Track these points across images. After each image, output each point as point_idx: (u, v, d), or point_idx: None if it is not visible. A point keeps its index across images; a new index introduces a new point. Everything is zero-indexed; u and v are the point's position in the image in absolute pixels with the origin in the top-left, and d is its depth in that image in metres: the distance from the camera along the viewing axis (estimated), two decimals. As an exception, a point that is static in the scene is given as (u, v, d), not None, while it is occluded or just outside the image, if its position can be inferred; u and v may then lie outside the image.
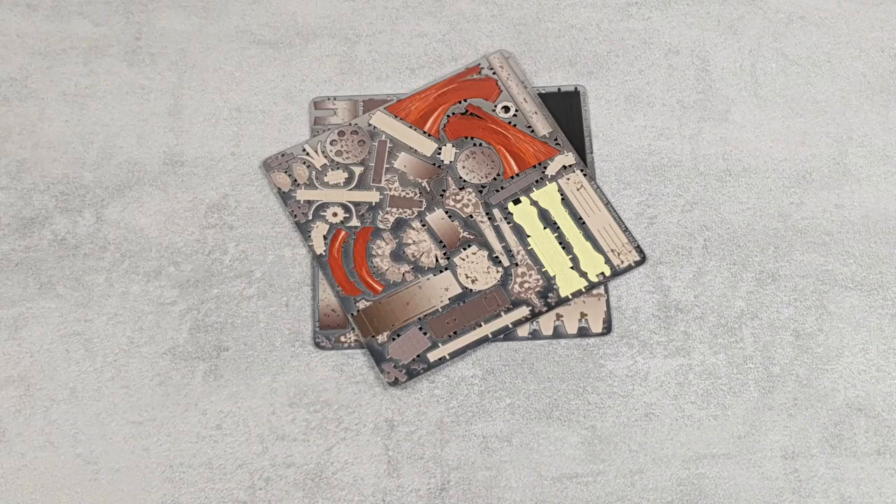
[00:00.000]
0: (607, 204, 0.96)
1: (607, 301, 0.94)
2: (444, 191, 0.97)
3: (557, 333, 0.93)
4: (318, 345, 0.92)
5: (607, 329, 0.93)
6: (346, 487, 0.89)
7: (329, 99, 1.01)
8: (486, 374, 0.92)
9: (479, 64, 1.02)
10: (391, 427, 0.91)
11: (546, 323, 0.93)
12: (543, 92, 1.02)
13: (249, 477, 0.89)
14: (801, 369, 0.92)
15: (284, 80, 1.04)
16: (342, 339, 0.93)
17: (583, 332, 0.93)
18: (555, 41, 1.06)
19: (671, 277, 0.96)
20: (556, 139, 0.99)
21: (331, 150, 0.99)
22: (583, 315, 0.93)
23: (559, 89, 1.02)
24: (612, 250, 0.95)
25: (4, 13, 1.07)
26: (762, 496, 0.88)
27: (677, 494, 0.88)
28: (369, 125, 1.00)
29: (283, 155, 1.00)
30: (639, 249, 0.95)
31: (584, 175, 0.97)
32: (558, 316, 0.93)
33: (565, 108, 1.02)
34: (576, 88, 1.03)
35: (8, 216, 0.98)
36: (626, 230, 0.95)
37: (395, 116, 1.00)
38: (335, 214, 0.97)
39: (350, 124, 1.00)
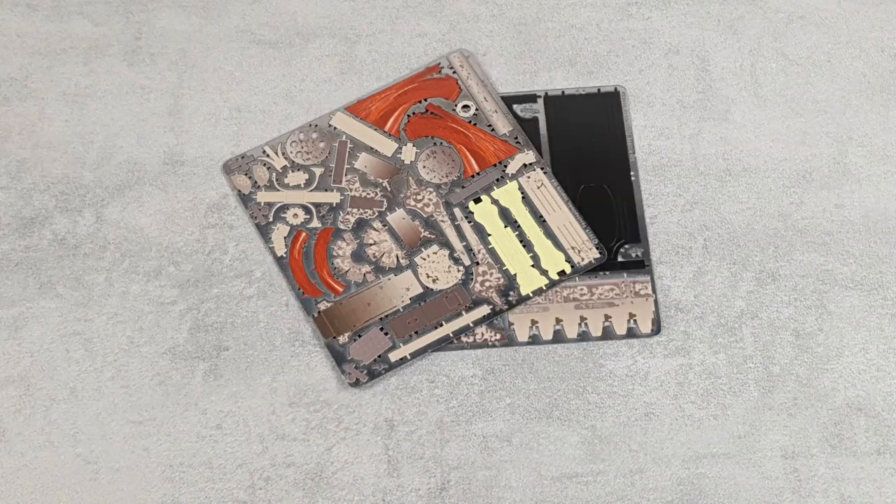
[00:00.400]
0: (567, 202, 0.96)
1: (655, 301, 0.93)
2: (405, 190, 0.97)
3: (607, 334, 0.92)
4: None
5: (656, 329, 0.93)
6: (346, 487, 0.89)
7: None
8: (486, 373, 0.92)
9: (439, 63, 1.02)
10: (391, 427, 0.91)
11: (595, 324, 0.93)
12: (583, 93, 1.02)
13: (249, 477, 0.89)
14: (801, 369, 0.92)
15: (284, 80, 1.04)
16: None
17: (632, 333, 0.93)
18: (555, 41, 1.06)
19: (671, 277, 0.96)
20: (516, 137, 0.99)
21: (291, 152, 0.99)
22: (631, 315, 0.93)
23: (599, 90, 1.02)
24: (573, 248, 0.95)
25: (4, 13, 1.07)
26: (762, 496, 0.88)
27: (677, 494, 0.88)
28: (329, 126, 1.00)
29: (242, 157, 1.00)
30: (599, 247, 0.94)
31: (545, 173, 0.97)
32: (607, 317, 0.93)
33: (605, 109, 1.01)
34: (615, 89, 1.02)
35: (8, 216, 0.98)
36: (586, 227, 0.95)
37: (356, 117, 1.01)
38: (296, 216, 0.97)
39: (310, 125, 1.01)
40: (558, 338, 0.93)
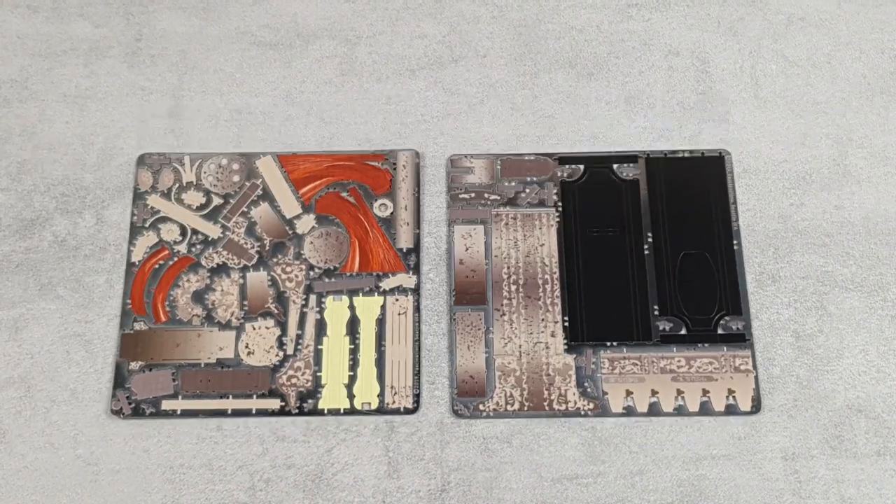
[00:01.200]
0: (416, 341, 0.92)
1: (756, 378, 0.90)
2: (280, 256, 0.94)
3: (704, 410, 0.89)
4: (455, 412, 0.90)
5: (756, 408, 0.89)
6: (347, 489, 0.89)
7: (466, 157, 0.98)
8: (487, 375, 0.92)
9: (387, 155, 0.99)
10: (391, 428, 0.91)
11: (692, 398, 0.89)
12: (686, 156, 0.98)
13: (250, 478, 0.89)
14: (802, 370, 0.92)
15: (285, 82, 1.04)
16: (481, 406, 0.90)
17: (730, 410, 0.89)
18: (555, 42, 1.06)
19: (671, 279, 0.96)
20: (410, 257, 0.94)
21: (205, 172, 0.98)
22: (730, 392, 0.89)
23: (703, 153, 0.98)
24: (392, 387, 0.90)
25: (5, 15, 1.08)
26: (762, 497, 0.88)
27: (677, 496, 0.88)
28: (254, 164, 0.98)
29: (161, 155, 0.99)
30: (416, 398, 0.90)
31: (415, 304, 0.92)
32: (705, 392, 0.89)
33: (709, 173, 0.97)
34: (720, 153, 0.98)
35: (8, 217, 0.98)
36: (417, 373, 0.91)
37: (281, 167, 0.98)
38: (170, 231, 0.95)
39: (239, 155, 0.99)
40: (654, 410, 0.89)
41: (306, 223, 0.96)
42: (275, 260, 0.94)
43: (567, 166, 0.98)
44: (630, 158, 0.98)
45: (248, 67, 1.05)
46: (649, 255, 0.94)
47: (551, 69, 1.05)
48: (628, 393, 0.90)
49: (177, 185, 0.97)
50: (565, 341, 0.91)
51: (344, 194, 0.96)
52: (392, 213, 0.96)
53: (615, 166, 0.98)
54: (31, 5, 1.08)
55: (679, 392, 0.90)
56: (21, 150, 1.01)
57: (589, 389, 0.90)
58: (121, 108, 1.03)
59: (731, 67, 1.05)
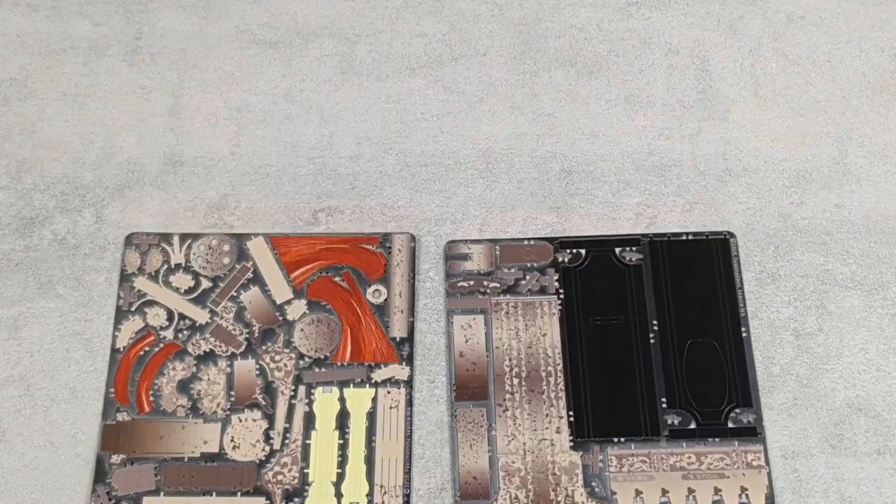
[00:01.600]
0: (408, 437, 0.88)
1: (769, 475, 0.86)
2: (269, 344, 0.91)
3: None
4: None
5: None
6: None
7: (464, 242, 0.95)
8: (486, 373, 0.92)
9: (382, 238, 0.95)
10: None
11: (704, 498, 0.85)
12: (690, 239, 0.94)
13: None
14: (801, 369, 0.92)
15: (284, 80, 1.04)
16: None
17: None
18: (555, 41, 1.06)
19: (671, 277, 0.96)
20: (403, 347, 0.91)
21: (195, 253, 0.95)
22: (743, 490, 0.86)
23: (707, 236, 0.95)
24: (381, 486, 0.86)
25: (5, 13, 1.07)
26: (762, 496, 0.88)
27: (677, 494, 0.88)
28: (245, 246, 0.95)
29: (149, 235, 0.95)
30: (407, 498, 0.86)
31: (408, 397, 0.89)
32: (717, 490, 0.85)
33: (714, 256, 0.94)
34: (725, 235, 0.95)
35: (8, 216, 0.98)
36: (408, 472, 0.87)
37: (273, 250, 0.94)
38: (157, 316, 0.92)
39: (230, 236, 0.96)
40: None
41: (297, 309, 0.92)
42: (264, 348, 0.91)
43: (567, 251, 0.95)
44: (632, 241, 0.95)
45: (247, 66, 1.05)
46: (655, 343, 0.90)
47: (551, 67, 1.05)
48: (638, 493, 0.86)
49: (165, 266, 0.94)
50: (571, 438, 0.87)
51: (337, 279, 0.93)
52: (386, 300, 0.92)
53: (617, 250, 0.95)
54: (30, 4, 1.08)
55: (690, 491, 0.86)
56: (20, 148, 1.01)
57: (597, 489, 0.86)
58: (120, 107, 1.03)
59: (731, 66, 1.05)
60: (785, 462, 0.89)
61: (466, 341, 0.91)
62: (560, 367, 0.90)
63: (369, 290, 0.92)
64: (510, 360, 0.90)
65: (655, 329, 0.91)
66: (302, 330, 0.91)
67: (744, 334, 0.91)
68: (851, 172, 1.00)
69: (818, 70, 1.05)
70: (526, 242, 0.95)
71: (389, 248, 0.95)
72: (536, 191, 0.99)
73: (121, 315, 0.92)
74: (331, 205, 0.99)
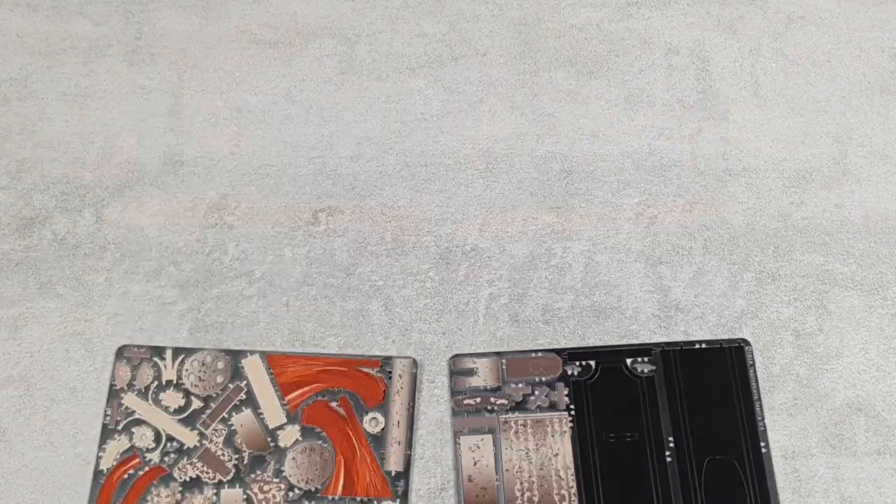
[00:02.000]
0: None
1: None
2: (258, 472, 0.86)
3: None
4: None
5: None
6: None
7: (468, 356, 0.91)
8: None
9: (382, 362, 0.91)
10: (391, 427, 0.90)
11: None
12: (704, 348, 0.90)
13: (249, 477, 0.89)
14: (801, 369, 0.92)
15: (284, 80, 1.05)
16: None
17: None
18: (555, 41, 1.06)
19: (671, 277, 0.96)
20: (398, 482, 0.86)
21: (187, 369, 0.90)
22: None
23: (721, 344, 0.91)
24: None
25: (4, 13, 1.08)
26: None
27: (677, 494, 0.88)
28: (239, 364, 0.90)
29: (140, 348, 0.91)
30: None
31: None
32: None
33: (730, 367, 0.90)
34: (740, 344, 0.91)
35: (8, 216, 0.98)
36: None
37: (269, 369, 0.90)
38: (143, 437, 0.87)
39: (224, 352, 0.91)
40: None
41: (290, 435, 0.87)
42: (252, 476, 0.86)
43: (577, 363, 0.90)
44: (644, 352, 0.91)
45: (247, 66, 1.05)
46: (672, 462, 0.86)
47: (551, 67, 1.05)
48: None
49: (155, 383, 0.89)
50: None
51: (333, 404, 0.88)
52: (383, 430, 0.88)
53: (628, 361, 0.90)
54: (30, 4, 1.08)
55: None
56: (20, 148, 1.01)
57: None
58: (120, 107, 1.03)
59: (731, 66, 1.05)
60: (785, 462, 0.89)
61: (475, 464, 0.86)
62: (574, 490, 0.85)
63: (366, 418, 0.88)
64: (521, 483, 0.85)
65: (671, 446, 0.86)
66: (294, 458, 0.86)
67: (763, 450, 0.87)
68: (851, 172, 1.00)
69: (818, 70, 1.05)
70: (533, 354, 0.91)
71: (390, 372, 0.90)
72: (536, 191, 0.99)
73: (107, 433, 0.87)
74: (331, 205, 0.99)
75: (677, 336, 0.93)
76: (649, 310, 0.94)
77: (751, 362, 0.90)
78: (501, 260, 0.96)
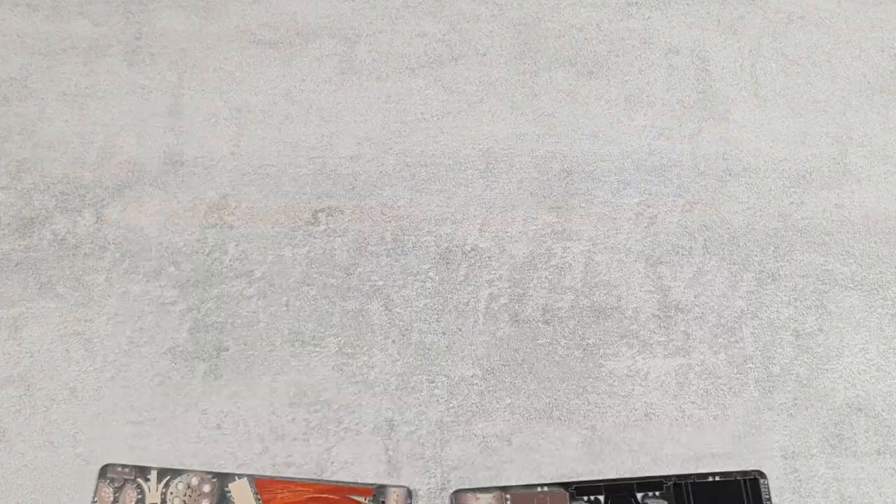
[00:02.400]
0: None
1: None
2: None
3: None
4: None
5: None
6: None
7: (470, 491, 0.86)
8: (486, 374, 0.92)
9: (376, 491, 0.86)
10: (391, 427, 0.91)
11: None
12: (718, 480, 0.85)
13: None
14: (802, 369, 0.92)
15: (284, 80, 1.05)
16: None
17: None
18: (555, 41, 1.06)
19: (671, 277, 0.96)
20: None
21: (172, 492, 0.86)
22: None
23: (735, 477, 0.85)
24: None
25: (5, 13, 1.08)
26: (762, 496, 0.88)
27: (677, 494, 0.88)
28: (226, 488, 0.86)
29: (124, 468, 0.87)
30: None
31: None
32: None
33: (742, 499, 0.84)
34: (755, 475, 0.86)
35: (8, 216, 0.98)
36: None
37: (256, 494, 0.85)
38: None
39: (211, 475, 0.87)
40: None
41: None
42: None
43: (585, 498, 0.84)
44: (655, 485, 0.85)
45: (247, 66, 1.05)
46: None
47: (551, 67, 1.05)
48: None
49: None
50: None
51: None
52: None
53: (639, 496, 0.85)
54: (30, 4, 1.08)
55: None
56: (21, 148, 1.01)
57: None
58: (120, 107, 1.03)
59: (731, 66, 1.05)
60: (785, 462, 0.89)
61: None
62: None
63: None
64: None
65: None
66: None
67: None
68: (851, 172, 1.00)
69: (818, 70, 1.05)
70: (539, 489, 0.85)
71: (383, 502, 0.85)
72: (536, 191, 0.99)
73: None
74: (331, 205, 0.99)
75: (677, 336, 0.93)
76: (649, 310, 0.94)
77: (766, 496, 0.85)
78: (501, 260, 0.96)
